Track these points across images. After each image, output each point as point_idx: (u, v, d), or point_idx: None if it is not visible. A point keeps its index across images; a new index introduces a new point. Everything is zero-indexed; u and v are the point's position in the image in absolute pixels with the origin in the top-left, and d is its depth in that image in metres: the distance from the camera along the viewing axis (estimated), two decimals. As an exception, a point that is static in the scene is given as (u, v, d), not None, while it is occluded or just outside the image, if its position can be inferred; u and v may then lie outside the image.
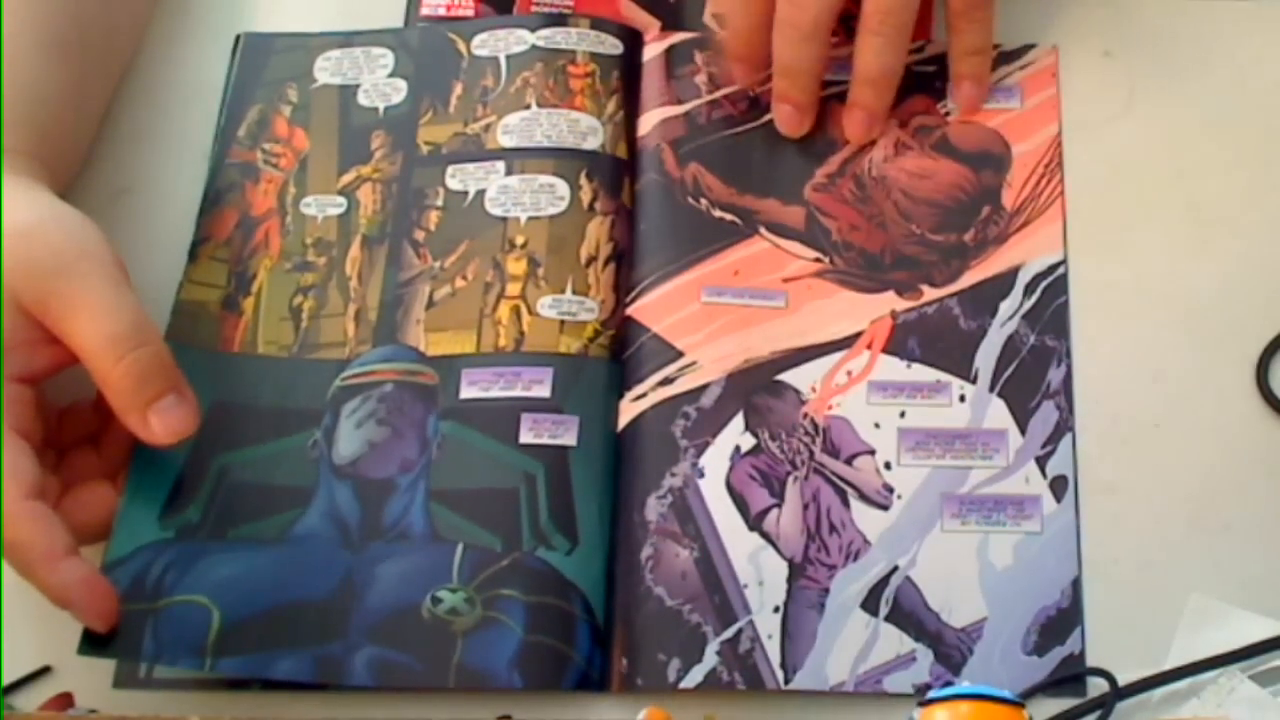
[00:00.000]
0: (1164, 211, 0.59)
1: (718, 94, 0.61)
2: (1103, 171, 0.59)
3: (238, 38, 0.64)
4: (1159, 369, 0.56)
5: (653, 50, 0.63)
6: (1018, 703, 0.42)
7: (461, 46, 0.63)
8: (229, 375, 0.56)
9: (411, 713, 0.51)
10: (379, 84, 0.62)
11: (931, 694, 0.43)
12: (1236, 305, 0.56)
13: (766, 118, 0.61)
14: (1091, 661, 0.50)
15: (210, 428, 0.53)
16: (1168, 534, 0.53)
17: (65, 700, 0.50)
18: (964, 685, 0.43)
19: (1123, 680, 0.49)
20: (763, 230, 0.58)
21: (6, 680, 0.51)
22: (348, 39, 0.64)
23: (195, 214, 0.60)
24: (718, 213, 0.59)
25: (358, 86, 0.62)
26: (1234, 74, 0.61)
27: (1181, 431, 0.54)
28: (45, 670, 0.52)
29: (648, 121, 0.61)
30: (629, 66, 0.62)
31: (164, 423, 0.51)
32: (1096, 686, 0.50)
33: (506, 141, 0.60)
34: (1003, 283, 0.57)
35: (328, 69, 0.63)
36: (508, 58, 0.62)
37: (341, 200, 0.60)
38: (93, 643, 0.50)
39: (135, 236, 0.58)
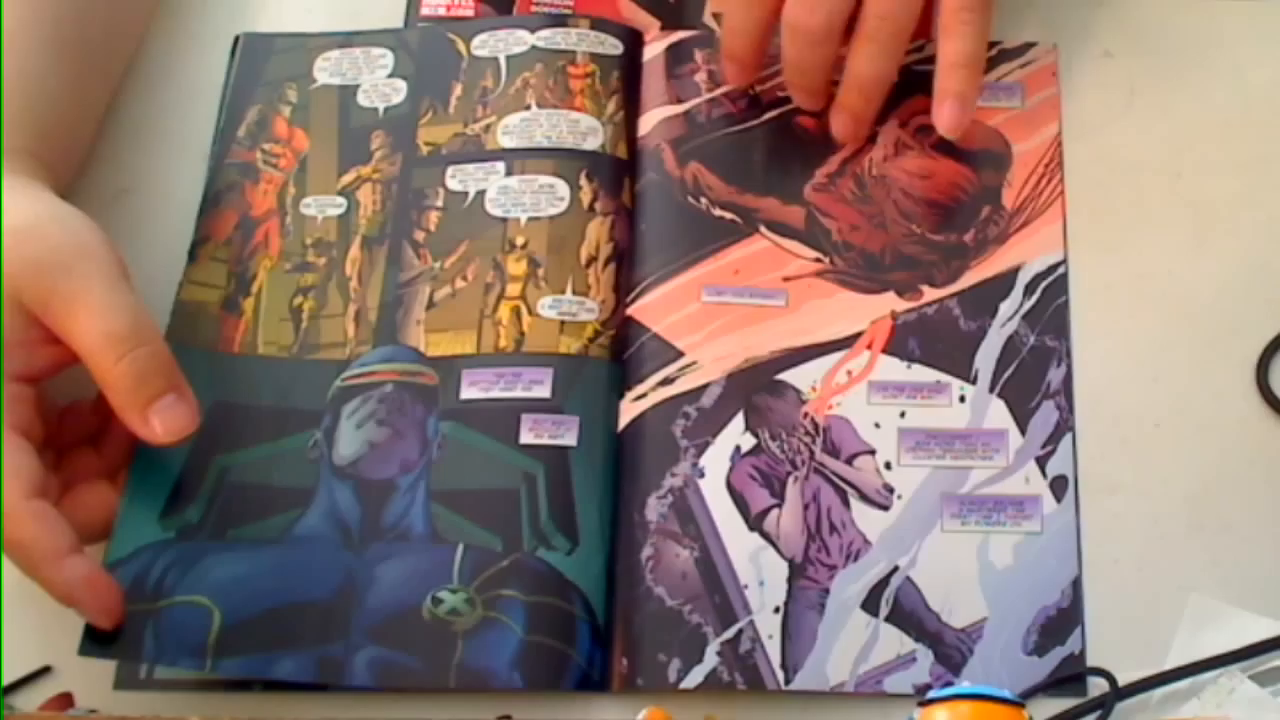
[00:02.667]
0: (1164, 211, 0.58)
1: (717, 92, 0.61)
2: (1103, 171, 0.59)
3: (237, 38, 0.64)
4: (1159, 369, 0.56)
5: (653, 50, 0.63)
6: (1018, 703, 0.42)
7: (461, 47, 0.63)
8: (229, 375, 0.56)
9: (412, 713, 0.51)
10: (379, 84, 0.62)
11: (931, 694, 0.43)
12: (1236, 305, 0.56)
13: (767, 116, 0.61)
14: (1091, 661, 0.50)
15: (210, 428, 0.53)
16: (1168, 534, 0.53)
17: (65, 700, 0.50)
18: (964, 685, 0.43)
19: (1123, 680, 0.49)
20: (763, 229, 0.58)
21: (6, 680, 0.51)
22: (347, 39, 0.63)
23: (195, 214, 0.60)
24: (718, 211, 0.59)
25: (357, 87, 0.62)
26: (1234, 74, 0.61)
27: (1181, 431, 0.54)
28: (45, 670, 0.52)
29: (648, 121, 0.61)
30: (630, 66, 0.62)
31: (164, 422, 0.51)
32: (1096, 686, 0.50)
33: (506, 142, 0.60)
34: (1003, 283, 0.57)
35: (327, 69, 0.63)
36: (507, 58, 0.62)
37: (341, 201, 0.60)
38: (94, 641, 0.50)
39: (135, 236, 0.58)
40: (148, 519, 0.52)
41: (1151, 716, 0.49)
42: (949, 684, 0.50)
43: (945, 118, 0.57)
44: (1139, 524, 0.53)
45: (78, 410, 0.54)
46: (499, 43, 0.63)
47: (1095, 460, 0.54)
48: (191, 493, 0.53)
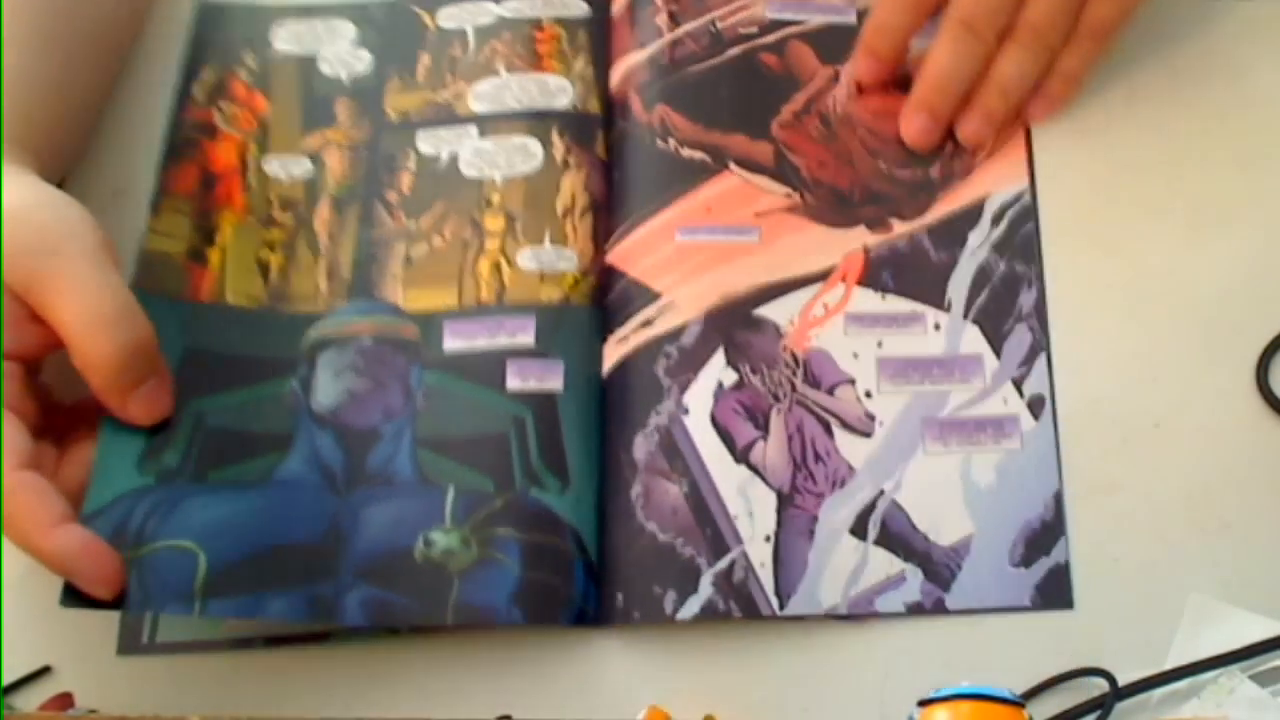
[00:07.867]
0: (1164, 211, 0.58)
1: (679, 32, 0.61)
2: (1103, 171, 0.59)
3: (194, 7, 0.63)
4: (1159, 368, 0.55)
5: (619, 2, 0.63)
6: (1018, 702, 0.42)
7: (427, 20, 0.63)
8: (199, 323, 0.55)
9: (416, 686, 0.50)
10: (341, 54, 0.62)
11: (931, 694, 0.43)
12: (1236, 305, 0.56)
13: (730, 53, 0.61)
14: (1091, 661, 0.50)
15: (184, 375, 0.52)
16: (1168, 534, 0.52)
17: (65, 700, 0.49)
18: (964, 685, 0.42)
19: (1122, 680, 0.48)
20: (732, 166, 0.59)
21: (6, 680, 0.50)
22: (306, 11, 0.63)
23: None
24: (687, 152, 0.59)
25: (318, 56, 0.62)
26: (1234, 74, 0.60)
27: (1181, 431, 0.54)
28: (45, 670, 0.51)
29: (617, 72, 0.61)
30: (601, 22, 0.63)
31: (143, 406, 0.51)
32: (1096, 686, 0.49)
33: (478, 108, 0.61)
34: (970, 214, 0.58)
35: (286, 37, 0.62)
36: (475, 29, 0.63)
37: (307, 162, 0.59)
38: (76, 594, 0.48)
39: (130, 238, 0.57)
40: (125, 466, 0.51)
41: (1151, 716, 0.48)
42: (940, 603, 0.51)
43: (1035, 110, 0.59)
44: (1139, 524, 0.52)
45: (84, 408, 0.53)
46: (465, 14, 0.63)
47: (1095, 460, 0.53)
48: (168, 438, 0.52)
